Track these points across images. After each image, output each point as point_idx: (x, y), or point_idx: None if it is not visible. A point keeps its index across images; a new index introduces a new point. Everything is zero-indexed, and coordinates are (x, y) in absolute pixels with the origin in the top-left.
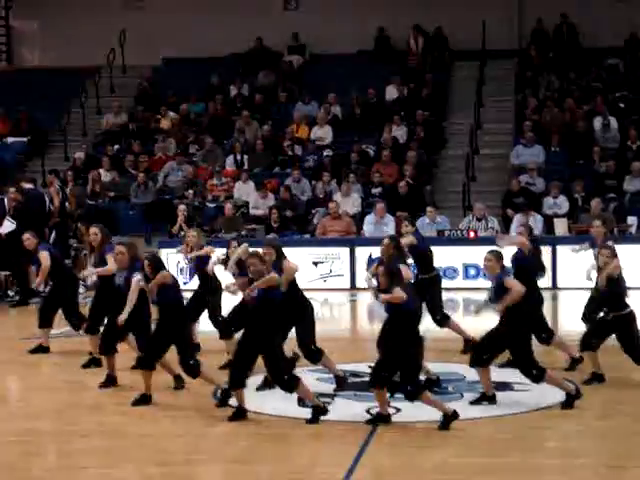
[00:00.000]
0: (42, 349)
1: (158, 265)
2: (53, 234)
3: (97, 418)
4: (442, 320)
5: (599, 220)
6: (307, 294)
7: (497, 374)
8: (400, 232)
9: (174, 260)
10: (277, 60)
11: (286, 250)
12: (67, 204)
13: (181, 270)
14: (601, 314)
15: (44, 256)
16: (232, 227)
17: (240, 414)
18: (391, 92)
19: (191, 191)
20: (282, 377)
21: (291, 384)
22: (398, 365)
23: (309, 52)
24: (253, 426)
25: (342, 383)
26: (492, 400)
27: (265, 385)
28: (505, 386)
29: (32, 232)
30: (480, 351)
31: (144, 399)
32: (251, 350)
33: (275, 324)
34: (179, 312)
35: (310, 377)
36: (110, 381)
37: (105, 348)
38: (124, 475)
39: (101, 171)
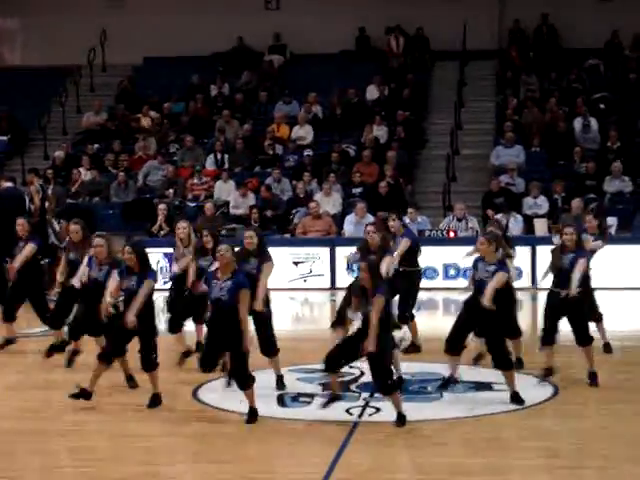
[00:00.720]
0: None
1: (143, 257)
2: None
3: (75, 417)
4: (408, 318)
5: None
6: (287, 293)
7: (478, 374)
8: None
9: (154, 260)
10: (258, 60)
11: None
12: (47, 203)
13: (161, 269)
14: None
15: (31, 247)
16: (213, 226)
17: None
18: (372, 92)
19: (171, 190)
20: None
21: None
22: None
23: (290, 52)
24: (232, 426)
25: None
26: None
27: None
28: (485, 386)
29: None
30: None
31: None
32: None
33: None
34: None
35: (290, 377)
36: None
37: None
38: (106, 474)
39: (81, 170)
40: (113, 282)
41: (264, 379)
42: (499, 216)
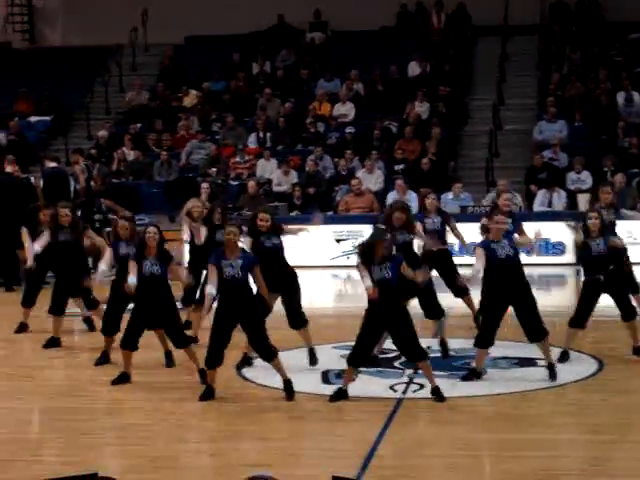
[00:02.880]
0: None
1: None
2: (79, 213)
3: (122, 395)
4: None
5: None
6: (330, 271)
7: (522, 350)
8: (425, 207)
9: None
10: (298, 37)
11: (309, 227)
12: (92, 183)
13: None
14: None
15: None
16: (256, 204)
17: (209, 394)
18: (413, 68)
19: (214, 169)
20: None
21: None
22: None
23: (331, 29)
24: (279, 402)
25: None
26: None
27: (244, 363)
28: (529, 361)
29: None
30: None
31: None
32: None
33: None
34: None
35: (334, 353)
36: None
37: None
38: (152, 452)
39: (125, 150)
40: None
41: (304, 357)
42: (542, 192)
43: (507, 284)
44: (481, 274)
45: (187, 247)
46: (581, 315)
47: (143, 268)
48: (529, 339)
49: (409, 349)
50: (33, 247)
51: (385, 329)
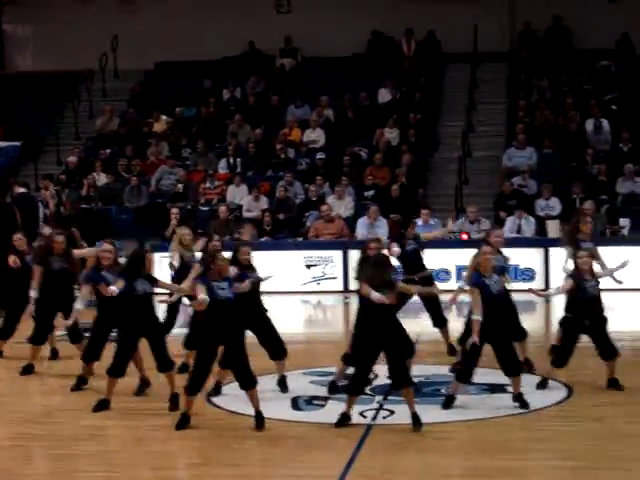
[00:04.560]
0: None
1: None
2: None
3: (90, 422)
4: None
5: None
6: (300, 296)
7: (491, 376)
8: (401, 234)
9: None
10: (270, 63)
11: (279, 253)
12: (62, 208)
13: None
14: None
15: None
16: (225, 230)
17: (186, 421)
18: (384, 95)
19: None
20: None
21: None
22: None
23: (301, 55)
24: (245, 430)
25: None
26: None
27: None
28: (499, 388)
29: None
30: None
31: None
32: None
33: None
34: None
35: (304, 379)
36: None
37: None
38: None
39: (95, 175)
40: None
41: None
42: (511, 218)
43: (497, 319)
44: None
45: (171, 273)
46: (565, 355)
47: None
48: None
49: (399, 373)
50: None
51: (381, 351)
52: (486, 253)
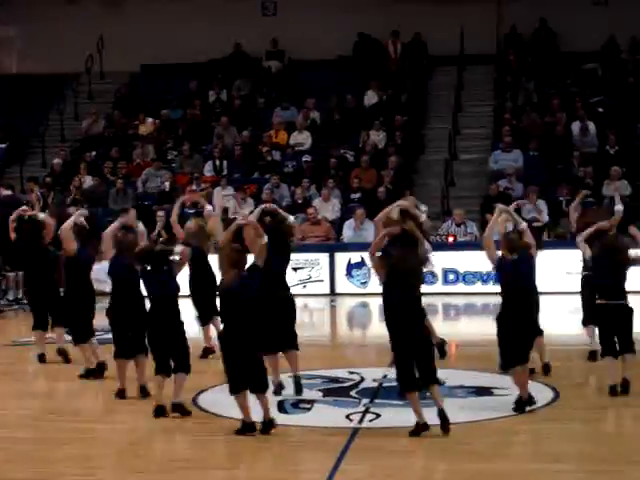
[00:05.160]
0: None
1: None
2: None
3: (75, 425)
4: None
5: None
6: None
7: (477, 379)
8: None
9: None
10: (256, 66)
11: None
12: (47, 211)
13: None
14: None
15: None
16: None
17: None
18: (370, 97)
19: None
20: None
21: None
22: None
23: (288, 57)
24: (231, 432)
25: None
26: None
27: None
28: (486, 391)
29: None
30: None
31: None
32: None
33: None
34: None
35: (290, 382)
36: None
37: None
38: None
39: (81, 178)
40: None
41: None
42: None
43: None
44: None
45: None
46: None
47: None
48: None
49: (429, 369)
50: None
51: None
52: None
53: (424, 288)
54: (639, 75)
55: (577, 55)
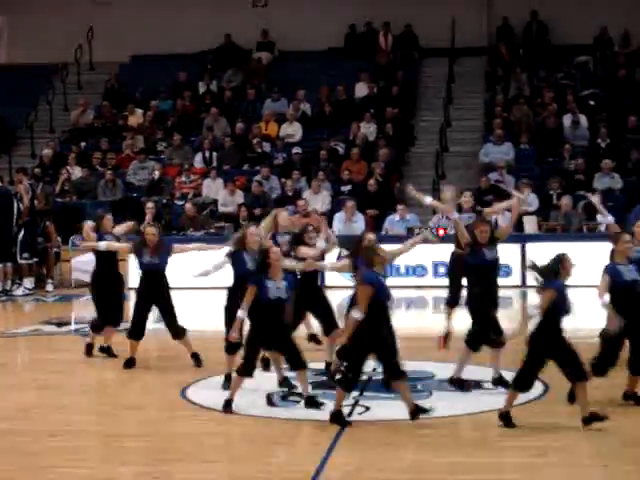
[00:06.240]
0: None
1: None
2: (22, 233)
3: (65, 417)
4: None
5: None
6: None
7: (468, 372)
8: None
9: None
10: (246, 57)
11: None
12: (36, 202)
13: None
14: None
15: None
16: (196, 225)
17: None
18: (361, 89)
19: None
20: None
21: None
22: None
23: (278, 49)
24: (223, 425)
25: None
26: None
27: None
28: (475, 384)
29: None
30: None
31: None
32: None
33: None
34: None
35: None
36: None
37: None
38: (94, 475)
39: (70, 169)
40: None
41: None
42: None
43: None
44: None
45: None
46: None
47: (269, 292)
48: None
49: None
50: None
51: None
52: (627, 242)
53: (414, 281)
54: (631, 68)
55: (569, 48)
